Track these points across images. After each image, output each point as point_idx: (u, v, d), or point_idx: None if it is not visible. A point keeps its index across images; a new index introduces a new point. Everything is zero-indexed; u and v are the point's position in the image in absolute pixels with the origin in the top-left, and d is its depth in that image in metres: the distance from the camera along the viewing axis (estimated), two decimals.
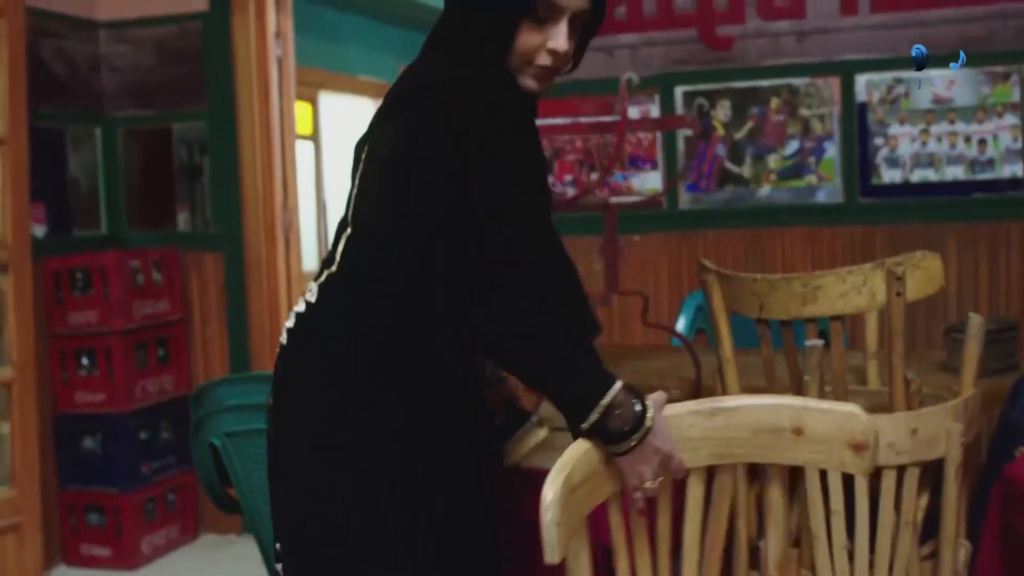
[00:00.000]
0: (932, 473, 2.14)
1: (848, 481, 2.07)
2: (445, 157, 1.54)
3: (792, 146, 3.84)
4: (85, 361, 4.07)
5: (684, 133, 3.91)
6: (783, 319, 2.23)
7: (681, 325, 3.86)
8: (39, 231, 4.04)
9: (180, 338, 4.36)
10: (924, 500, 2.14)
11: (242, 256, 4.33)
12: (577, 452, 1.50)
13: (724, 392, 2.33)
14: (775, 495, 1.64)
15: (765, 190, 3.87)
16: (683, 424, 1.57)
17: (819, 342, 2.13)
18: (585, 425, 1.50)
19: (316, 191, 8.07)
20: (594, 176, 3.95)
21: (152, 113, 4.49)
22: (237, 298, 4.35)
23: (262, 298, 4.35)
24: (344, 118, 8.19)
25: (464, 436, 1.72)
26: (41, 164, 4.01)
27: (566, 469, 1.45)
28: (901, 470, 2.05)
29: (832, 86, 3.78)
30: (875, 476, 2.05)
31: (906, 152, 3.77)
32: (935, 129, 3.77)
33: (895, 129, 3.76)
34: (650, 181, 3.94)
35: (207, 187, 4.41)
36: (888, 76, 3.75)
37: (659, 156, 3.92)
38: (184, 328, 4.39)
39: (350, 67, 8.03)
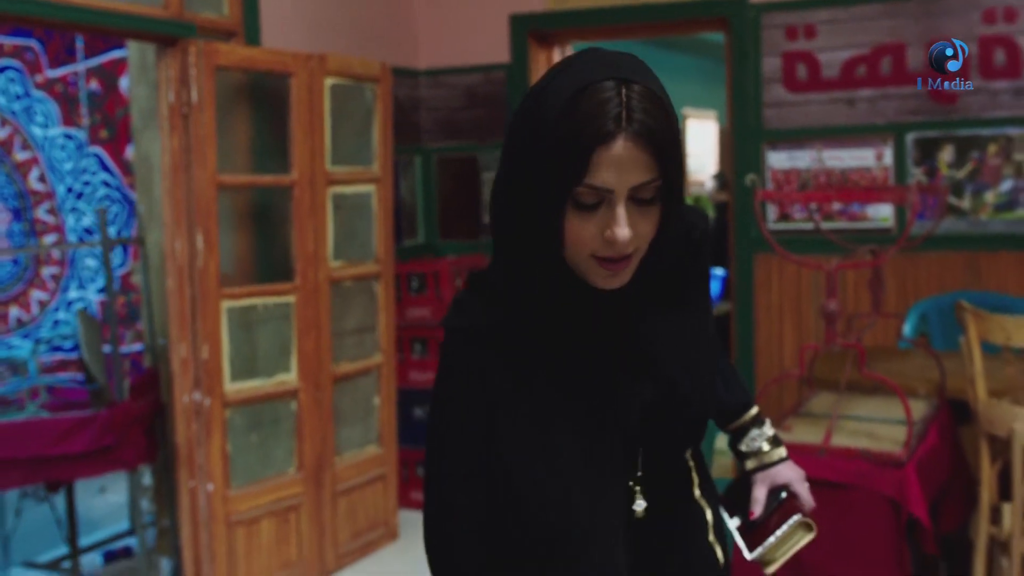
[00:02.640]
0: None
1: None
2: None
3: (1006, 184, 4.62)
4: (418, 348, 5.16)
5: (914, 171, 4.73)
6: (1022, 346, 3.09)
7: (907, 329, 4.70)
8: None
9: None
10: None
11: None
12: None
13: (975, 397, 3.20)
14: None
15: (982, 221, 4.66)
16: None
17: None
18: None
19: None
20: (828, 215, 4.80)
21: (461, 144, 5.53)
22: None
23: None
24: None
25: None
26: None
27: None
28: None
29: None
30: None
31: None
32: None
33: None
34: (882, 210, 4.78)
35: None
36: None
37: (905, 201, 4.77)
38: None
39: None
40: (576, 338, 1.40)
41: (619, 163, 1.24)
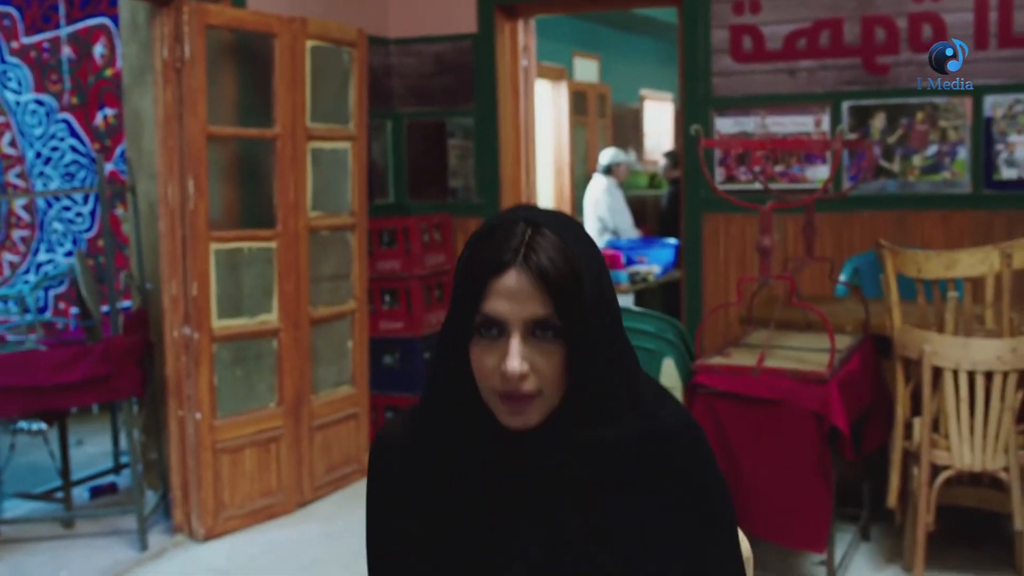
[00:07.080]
0: None
1: (971, 380, 3.34)
2: None
3: (932, 149, 5.04)
4: (388, 298, 5.50)
5: (849, 137, 5.13)
6: (932, 279, 3.49)
7: (843, 280, 5.10)
8: None
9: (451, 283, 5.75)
10: (1021, 394, 3.40)
11: None
12: None
13: (891, 324, 3.60)
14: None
15: (910, 182, 5.08)
16: None
17: (956, 295, 3.40)
18: None
19: None
20: (778, 167, 5.21)
21: (430, 110, 5.88)
22: None
23: None
24: None
25: None
26: None
27: None
28: (1005, 375, 3.32)
29: (965, 104, 4.96)
30: (989, 378, 3.33)
31: (1021, 155, 4.94)
32: None
33: (1013, 138, 4.92)
34: (821, 172, 5.19)
35: (473, 167, 5.80)
36: (1010, 97, 4.90)
37: (828, 153, 5.16)
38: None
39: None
40: (479, 478, 1.36)
41: (512, 294, 1.27)
